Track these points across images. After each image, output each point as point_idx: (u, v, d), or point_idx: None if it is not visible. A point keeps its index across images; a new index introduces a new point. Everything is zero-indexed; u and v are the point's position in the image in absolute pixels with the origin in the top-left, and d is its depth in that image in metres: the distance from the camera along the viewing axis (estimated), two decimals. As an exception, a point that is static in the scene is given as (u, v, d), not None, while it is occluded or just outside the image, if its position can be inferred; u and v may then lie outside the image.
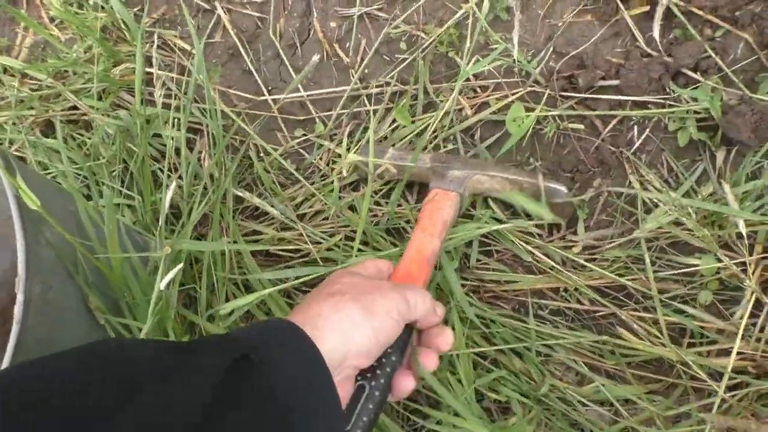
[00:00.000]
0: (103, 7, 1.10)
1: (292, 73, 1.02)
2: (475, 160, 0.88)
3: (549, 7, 0.88)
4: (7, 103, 1.10)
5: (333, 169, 0.99)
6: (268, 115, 1.03)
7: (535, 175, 0.83)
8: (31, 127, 1.10)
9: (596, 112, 0.87)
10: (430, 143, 0.94)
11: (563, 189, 0.82)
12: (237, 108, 1.04)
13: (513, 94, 0.90)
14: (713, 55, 0.81)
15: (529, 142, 0.92)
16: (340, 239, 0.93)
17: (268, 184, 0.98)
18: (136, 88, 0.99)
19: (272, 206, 0.96)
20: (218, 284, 0.92)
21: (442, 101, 0.94)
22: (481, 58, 0.91)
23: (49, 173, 1.04)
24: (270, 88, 1.04)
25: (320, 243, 0.93)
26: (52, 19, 1.14)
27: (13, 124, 1.10)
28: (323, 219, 0.98)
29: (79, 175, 1.03)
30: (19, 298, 0.58)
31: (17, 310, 0.58)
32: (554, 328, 0.89)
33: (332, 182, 0.97)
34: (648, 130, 0.86)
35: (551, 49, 0.89)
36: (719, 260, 0.82)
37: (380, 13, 0.97)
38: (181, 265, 0.71)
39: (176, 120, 1.02)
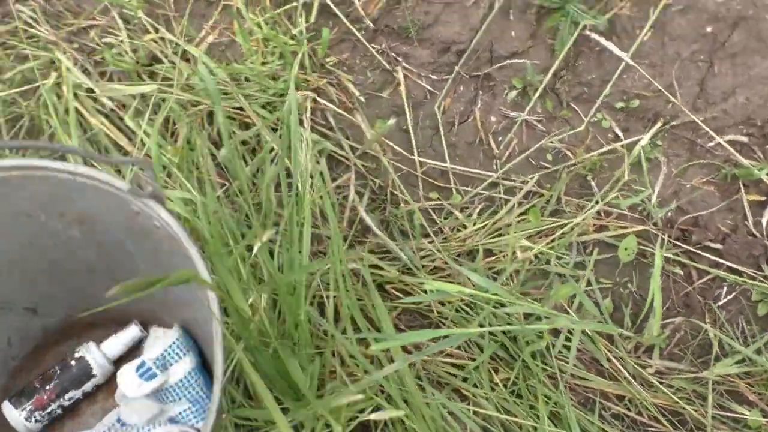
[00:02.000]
0: (293, 37, 1.24)
1: (444, 145, 1.18)
2: None
3: (682, 170, 1.07)
4: (175, 83, 1.23)
5: (457, 238, 1.14)
6: (413, 173, 1.18)
7: None
8: (195, 114, 1.23)
9: (696, 265, 1.05)
10: (550, 243, 1.10)
11: None
12: (386, 156, 1.19)
13: (631, 228, 1.07)
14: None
15: (631, 269, 1.09)
16: (457, 300, 1.07)
17: (414, 226, 1.12)
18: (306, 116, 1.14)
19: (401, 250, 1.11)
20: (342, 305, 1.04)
21: (568, 212, 1.11)
22: (611, 189, 1.09)
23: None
24: (419, 150, 1.19)
25: (435, 297, 1.07)
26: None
27: (177, 103, 1.22)
28: (439, 277, 1.12)
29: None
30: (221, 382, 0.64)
31: (216, 391, 0.62)
32: (611, 429, 1.04)
33: (450, 244, 1.12)
34: (735, 293, 1.04)
35: (675, 203, 1.07)
36: (765, 416, 0.99)
37: (538, 125, 1.14)
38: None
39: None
